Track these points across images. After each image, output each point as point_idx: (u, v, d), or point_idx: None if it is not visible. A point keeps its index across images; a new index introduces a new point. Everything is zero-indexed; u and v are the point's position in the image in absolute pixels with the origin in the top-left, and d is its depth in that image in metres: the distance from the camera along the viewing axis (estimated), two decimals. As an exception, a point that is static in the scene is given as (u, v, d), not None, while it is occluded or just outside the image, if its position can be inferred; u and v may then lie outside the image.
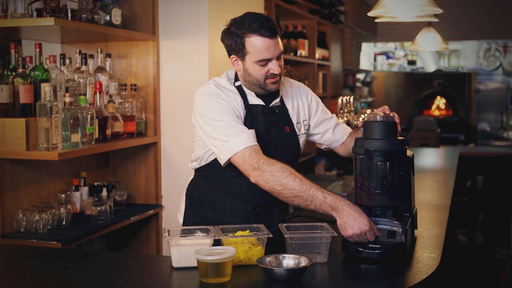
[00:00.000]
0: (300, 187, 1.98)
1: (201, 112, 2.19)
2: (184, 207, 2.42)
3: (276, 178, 2.00)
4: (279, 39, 2.19)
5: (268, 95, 2.27)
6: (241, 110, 2.20)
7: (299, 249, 1.91)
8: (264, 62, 2.15)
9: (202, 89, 2.23)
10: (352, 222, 1.91)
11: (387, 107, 2.18)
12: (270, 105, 2.28)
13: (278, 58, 2.18)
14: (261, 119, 2.24)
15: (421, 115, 9.77)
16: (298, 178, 1.99)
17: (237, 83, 2.27)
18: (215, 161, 2.23)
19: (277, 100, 2.31)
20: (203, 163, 2.31)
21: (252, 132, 2.11)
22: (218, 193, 2.30)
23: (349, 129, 2.53)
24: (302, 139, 2.38)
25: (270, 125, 2.25)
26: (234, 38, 2.18)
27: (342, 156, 2.56)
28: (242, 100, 2.23)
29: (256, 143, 2.10)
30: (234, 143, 2.07)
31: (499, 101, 11.05)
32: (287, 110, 2.34)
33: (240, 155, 2.07)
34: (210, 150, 2.24)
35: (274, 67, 2.16)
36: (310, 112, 2.45)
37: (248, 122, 2.21)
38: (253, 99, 2.26)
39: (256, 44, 2.13)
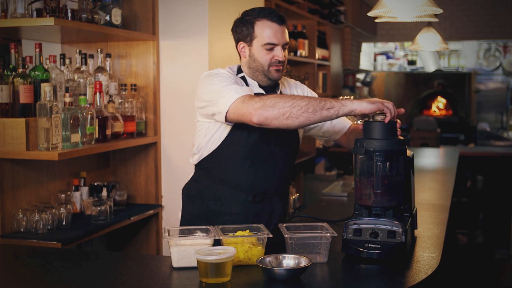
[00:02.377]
0: (305, 97, 2.00)
1: (203, 86, 2.23)
2: (182, 203, 2.44)
3: (282, 98, 2.00)
4: (286, 31, 2.26)
5: (268, 87, 2.32)
6: None
7: (299, 249, 1.91)
8: (270, 46, 2.22)
9: (207, 72, 2.30)
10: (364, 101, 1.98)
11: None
12: None
13: (283, 48, 2.25)
14: None
15: (421, 115, 9.77)
16: (296, 95, 2.09)
17: (240, 75, 2.33)
18: (216, 151, 2.28)
19: (278, 93, 2.36)
20: (205, 154, 2.33)
21: (250, 88, 2.15)
22: (219, 184, 2.32)
23: (349, 122, 2.54)
24: (300, 132, 2.44)
25: None
26: (244, 24, 2.26)
27: (346, 150, 2.55)
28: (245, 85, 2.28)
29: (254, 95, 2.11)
30: (232, 93, 2.09)
31: (499, 101, 11.05)
32: None
33: (240, 100, 2.06)
34: (212, 137, 2.28)
35: (279, 53, 2.23)
36: None
37: None
38: (255, 89, 2.30)
39: (264, 27, 2.22)
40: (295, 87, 2.49)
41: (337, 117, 1.98)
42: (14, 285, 1.83)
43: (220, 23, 3.50)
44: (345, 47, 7.58)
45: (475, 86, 10.22)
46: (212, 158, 2.31)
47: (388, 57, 11.99)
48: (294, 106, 1.97)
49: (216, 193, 2.30)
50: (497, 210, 6.37)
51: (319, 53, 6.30)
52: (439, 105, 10.19)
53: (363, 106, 1.95)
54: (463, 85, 9.99)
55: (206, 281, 1.74)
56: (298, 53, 5.61)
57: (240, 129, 2.24)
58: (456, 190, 4.48)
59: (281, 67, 2.26)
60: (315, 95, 2.53)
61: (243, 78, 2.32)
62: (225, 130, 2.26)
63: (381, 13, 2.95)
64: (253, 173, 2.28)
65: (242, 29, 2.27)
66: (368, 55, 11.67)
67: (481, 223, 6.48)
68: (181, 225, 2.38)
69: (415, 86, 10.24)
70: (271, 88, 2.34)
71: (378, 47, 11.88)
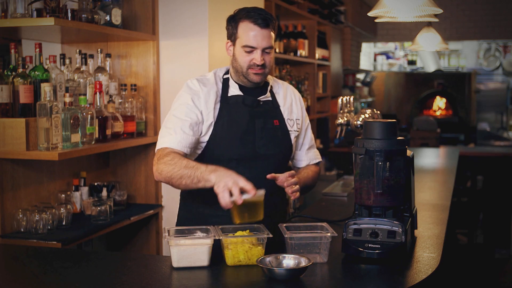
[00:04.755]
0: (186, 165, 2.08)
1: (174, 101, 2.34)
2: (179, 205, 2.45)
3: (167, 165, 2.11)
4: (272, 35, 2.26)
5: (256, 89, 2.33)
6: (212, 104, 2.27)
7: (299, 249, 1.91)
8: (249, 49, 2.23)
9: (188, 82, 2.33)
10: (227, 174, 1.99)
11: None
12: (258, 99, 2.33)
13: (265, 52, 2.25)
14: (242, 110, 2.29)
15: (421, 115, 9.77)
16: (185, 160, 2.11)
17: (226, 76, 2.35)
18: (203, 152, 2.29)
19: (267, 95, 2.36)
20: (195, 155, 2.34)
21: (187, 137, 2.21)
22: None
23: (316, 160, 2.57)
24: (293, 136, 2.40)
25: (254, 116, 2.30)
26: (231, 23, 2.28)
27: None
28: (220, 93, 2.30)
29: (182, 150, 2.20)
30: (163, 140, 2.22)
31: (499, 101, 11.05)
32: (278, 106, 2.39)
33: (157, 153, 2.22)
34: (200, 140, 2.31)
35: (257, 57, 2.23)
36: (303, 119, 2.49)
37: (224, 112, 2.27)
38: (234, 91, 2.32)
39: (245, 29, 2.23)
40: (293, 94, 2.47)
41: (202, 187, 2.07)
42: (14, 285, 1.83)
43: (220, 23, 3.49)
44: (345, 47, 7.59)
45: (475, 86, 10.23)
46: (200, 160, 2.31)
47: (388, 57, 11.99)
48: (172, 177, 2.10)
49: (206, 195, 2.30)
50: (497, 210, 6.38)
51: (319, 53, 6.30)
52: (439, 105, 10.19)
53: (219, 178, 1.99)
54: (463, 85, 10.00)
55: (242, 221, 1.95)
56: (298, 53, 5.61)
57: (222, 131, 2.26)
58: (456, 190, 4.48)
59: (260, 71, 2.26)
60: (303, 106, 2.52)
61: (226, 80, 2.33)
62: (208, 131, 2.27)
63: (381, 13, 2.95)
64: (240, 173, 2.26)
65: (229, 28, 2.29)
66: (368, 55, 11.67)
67: (481, 223, 6.48)
68: None
69: (415, 86, 10.25)
70: (258, 89, 2.34)
71: (378, 47, 11.88)
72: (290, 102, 2.43)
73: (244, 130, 2.26)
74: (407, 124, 9.32)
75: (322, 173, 5.99)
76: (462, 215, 6.08)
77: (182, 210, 2.42)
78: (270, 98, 2.37)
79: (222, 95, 2.30)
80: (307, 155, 2.54)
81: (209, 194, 2.26)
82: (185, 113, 2.25)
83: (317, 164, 2.58)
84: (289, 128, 2.38)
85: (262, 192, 1.92)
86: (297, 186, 2.17)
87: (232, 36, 2.28)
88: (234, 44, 2.27)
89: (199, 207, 2.33)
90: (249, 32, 2.21)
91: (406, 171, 2.07)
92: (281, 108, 2.39)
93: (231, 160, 2.25)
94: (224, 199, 1.93)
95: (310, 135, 2.55)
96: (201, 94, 2.27)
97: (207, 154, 2.28)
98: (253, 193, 1.92)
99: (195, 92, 2.28)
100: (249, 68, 2.25)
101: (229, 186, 1.93)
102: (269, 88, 2.38)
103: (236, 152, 2.26)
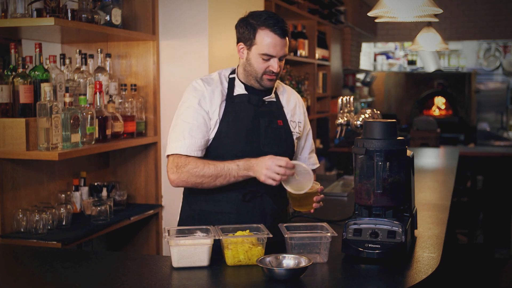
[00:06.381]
0: (215, 168, 2.17)
1: (180, 103, 2.36)
2: (181, 203, 2.46)
3: (193, 173, 2.19)
4: (287, 43, 2.29)
5: (261, 90, 2.34)
6: (217, 103, 2.29)
7: (299, 249, 1.91)
8: (267, 57, 2.25)
9: (193, 83, 2.35)
10: (260, 167, 2.12)
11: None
12: (263, 98, 2.35)
13: (280, 59, 2.28)
14: (247, 108, 2.30)
15: (421, 115, 9.77)
16: (212, 164, 2.19)
17: (231, 76, 2.36)
18: (209, 149, 2.30)
19: (271, 95, 2.38)
20: None
21: (196, 141, 2.25)
22: None
23: (316, 165, 2.61)
24: (295, 137, 2.42)
25: (259, 115, 2.32)
26: (248, 27, 2.27)
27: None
28: (226, 91, 2.32)
29: (192, 154, 2.24)
30: (173, 145, 2.28)
31: (499, 101, 11.04)
32: (282, 107, 2.41)
33: (171, 159, 2.28)
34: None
35: (274, 64, 2.26)
36: (305, 123, 2.51)
37: (230, 110, 2.29)
38: (240, 90, 2.33)
39: (266, 38, 2.24)
40: (297, 98, 2.50)
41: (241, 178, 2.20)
42: (14, 285, 1.83)
43: (220, 23, 3.50)
44: (345, 47, 7.58)
45: (475, 86, 10.23)
46: (205, 156, 2.31)
47: (388, 57, 11.99)
48: (204, 182, 2.19)
49: (209, 191, 2.31)
50: (497, 210, 6.38)
51: (319, 53, 6.30)
52: (439, 105, 10.19)
53: (257, 174, 2.14)
54: (463, 85, 9.99)
55: (297, 209, 2.21)
56: (298, 53, 5.61)
57: (227, 129, 2.27)
58: (456, 190, 4.48)
59: (274, 77, 2.30)
60: (305, 112, 2.53)
61: (232, 79, 2.34)
62: (214, 129, 2.28)
63: (381, 13, 2.95)
64: None
65: (245, 32, 2.28)
66: (368, 55, 11.67)
67: (481, 223, 6.48)
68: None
69: (415, 86, 10.24)
70: (264, 91, 2.35)
71: (378, 47, 11.88)
72: (293, 105, 2.46)
73: (249, 128, 2.28)
74: (407, 124, 9.32)
75: (322, 173, 5.99)
76: (462, 215, 6.08)
77: (185, 208, 2.42)
78: (274, 99, 2.39)
79: (228, 94, 2.32)
80: (309, 160, 2.57)
81: (213, 191, 2.28)
82: (192, 116, 2.26)
83: (314, 169, 2.62)
84: (291, 130, 2.40)
85: (317, 186, 2.16)
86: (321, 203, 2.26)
87: (248, 41, 2.27)
88: (249, 49, 2.28)
89: (202, 204, 2.34)
90: (269, 41, 2.23)
91: (406, 171, 2.07)
92: (285, 110, 2.41)
93: (235, 157, 2.26)
94: (272, 181, 2.10)
95: (311, 140, 2.58)
96: (206, 94, 2.29)
97: (212, 151, 2.29)
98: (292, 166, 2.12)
99: (201, 93, 2.29)
100: (264, 74, 2.28)
101: (275, 170, 2.09)
102: (273, 89, 2.40)
103: (240, 149, 2.27)
